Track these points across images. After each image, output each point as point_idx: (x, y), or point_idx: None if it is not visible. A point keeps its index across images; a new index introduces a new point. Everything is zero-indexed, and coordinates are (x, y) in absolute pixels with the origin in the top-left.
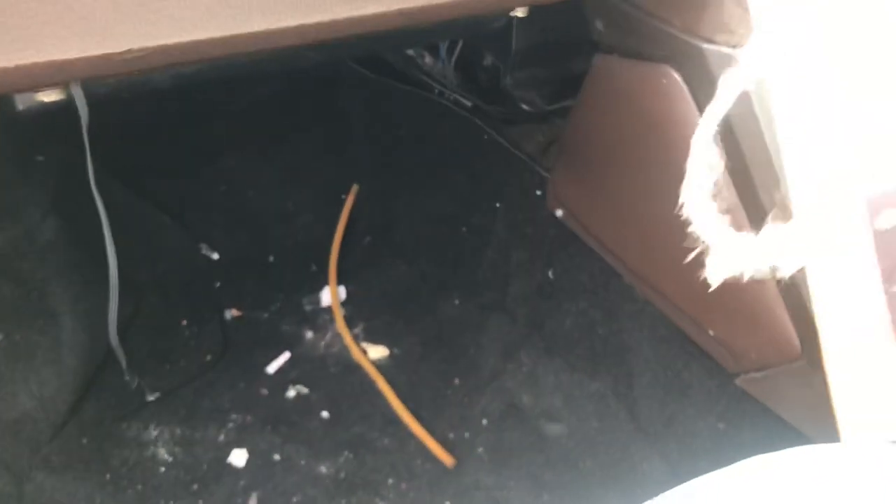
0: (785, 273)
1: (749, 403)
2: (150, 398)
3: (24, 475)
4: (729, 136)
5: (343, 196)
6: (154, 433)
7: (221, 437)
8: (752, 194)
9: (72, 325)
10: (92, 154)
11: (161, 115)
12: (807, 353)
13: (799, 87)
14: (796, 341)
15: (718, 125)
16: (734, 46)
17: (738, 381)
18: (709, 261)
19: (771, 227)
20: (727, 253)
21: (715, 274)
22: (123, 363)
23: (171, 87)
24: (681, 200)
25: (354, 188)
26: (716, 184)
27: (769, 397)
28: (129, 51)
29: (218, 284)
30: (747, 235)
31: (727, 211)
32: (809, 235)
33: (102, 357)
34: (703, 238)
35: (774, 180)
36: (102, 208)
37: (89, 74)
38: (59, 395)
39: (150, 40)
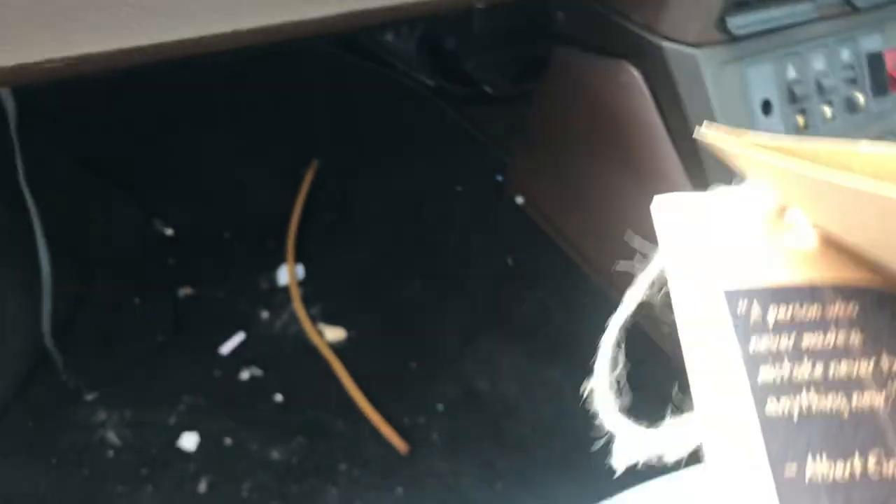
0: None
1: None
2: (88, 398)
3: None
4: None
5: (302, 171)
6: (103, 416)
7: (172, 420)
8: None
9: (15, 306)
10: (38, 129)
11: (111, 87)
12: None
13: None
14: None
15: (623, 327)
16: (693, 45)
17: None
18: (613, 448)
19: (667, 421)
20: (626, 443)
21: (618, 461)
22: (60, 363)
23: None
24: (588, 391)
25: (314, 164)
26: (619, 380)
27: None
28: (50, 60)
29: (171, 261)
30: (642, 430)
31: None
32: (702, 429)
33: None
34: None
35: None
36: (34, 207)
37: (8, 81)
38: (2, 380)
39: (70, 49)
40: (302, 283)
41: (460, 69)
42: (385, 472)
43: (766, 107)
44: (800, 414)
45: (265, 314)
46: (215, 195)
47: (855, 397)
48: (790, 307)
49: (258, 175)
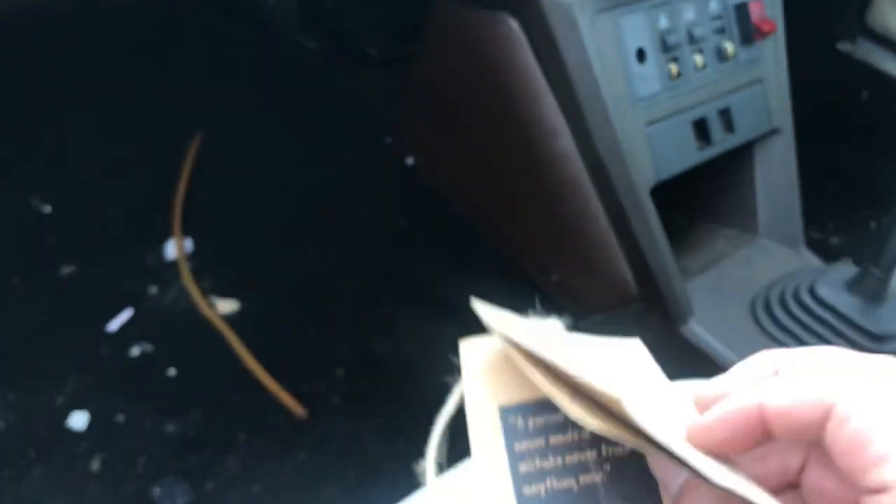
0: None
1: None
2: None
3: None
4: None
5: (185, 145)
6: None
7: (59, 400)
8: None
9: None
10: None
11: None
12: (642, 298)
13: None
14: (633, 286)
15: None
16: None
17: (581, 327)
18: None
19: None
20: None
21: None
22: None
23: None
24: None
25: (197, 136)
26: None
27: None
28: None
29: (51, 239)
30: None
31: None
32: None
33: None
34: None
35: None
36: None
37: None
38: None
39: None
40: (191, 257)
41: (342, 31)
42: (286, 439)
43: (641, 55)
44: (546, 492)
45: (153, 289)
46: (96, 171)
47: (582, 477)
48: (543, 416)
49: (140, 150)
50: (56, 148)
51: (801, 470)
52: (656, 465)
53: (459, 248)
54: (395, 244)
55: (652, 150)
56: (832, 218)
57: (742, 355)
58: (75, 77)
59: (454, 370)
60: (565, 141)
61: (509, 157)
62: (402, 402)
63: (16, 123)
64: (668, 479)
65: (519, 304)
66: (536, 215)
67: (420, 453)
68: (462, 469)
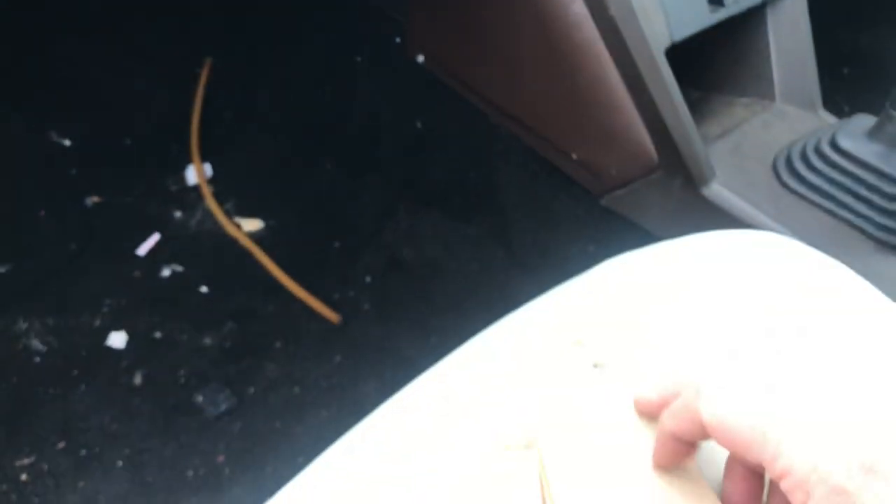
0: None
1: (615, 222)
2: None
3: None
4: None
5: (197, 71)
6: (24, 325)
7: (97, 323)
8: None
9: None
10: None
11: None
12: (663, 164)
13: None
14: (653, 153)
15: None
16: None
17: (603, 202)
18: None
19: None
20: None
21: None
22: None
23: None
24: None
25: (208, 62)
26: None
27: (633, 211)
28: None
29: (74, 171)
30: None
31: None
32: None
33: None
34: None
35: None
36: None
37: None
38: None
39: None
40: (212, 181)
41: None
42: (320, 343)
43: None
44: None
45: (178, 214)
46: (111, 103)
47: None
48: None
49: (153, 80)
50: (70, 83)
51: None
52: None
53: (476, 143)
54: (412, 148)
55: (665, 12)
56: (847, 101)
57: (765, 212)
58: (82, 11)
59: (482, 267)
60: (577, 6)
61: (522, 32)
62: (431, 303)
63: (29, 61)
64: None
65: (542, 191)
66: (553, 91)
67: (451, 349)
68: None
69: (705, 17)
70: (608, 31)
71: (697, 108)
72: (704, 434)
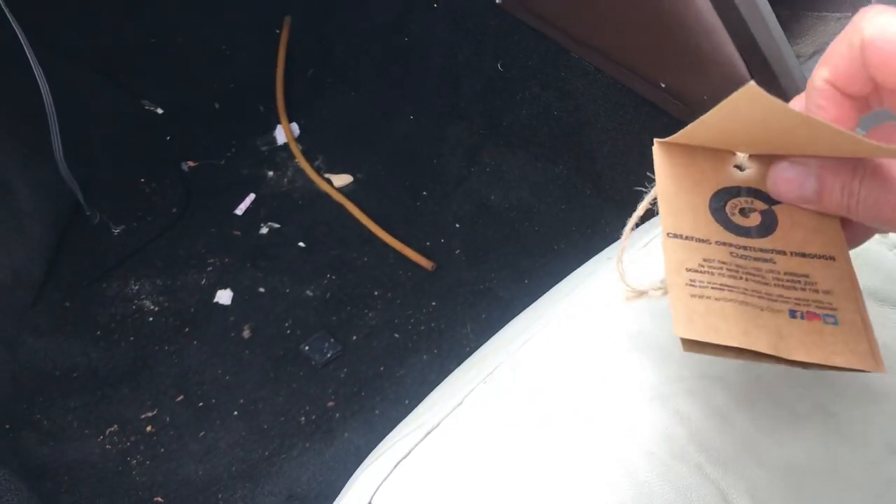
0: None
1: None
2: (116, 231)
3: (14, 342)
4: None
5: (276, 31)
6: (135, 288)
7: (203, 281)
8: None
9: (27, 191)
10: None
11: None
12: (758, 85)
13: None
14: (747, 75)
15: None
16: None
17: None
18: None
19: None
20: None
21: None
22: (79, 195)
23: None
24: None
25: (287, 20)
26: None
27: None
28: None
29: (168, 138)
30: None
31: None
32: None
33: (67, 220)
34: None
35: None
36: (28, 46)
37: None
38: (30, 263)
39: None
40: (300, 139)
41: None
42: (417, 290)
43: None
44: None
45: (270, 173)
46: (196, 68)
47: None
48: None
49: (234, 42)
50: (156, 53)
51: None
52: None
53: (557, 80)
54: (493, 89)
55: None
56: None
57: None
58: None
59: (571, 206)
60: None
61: None
62: (522, 244)
63: (115, 33)
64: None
65: (628, 122)
66: (638, 18)
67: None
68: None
69: None
70: None
71: (788, 26)
72: (866, 77)
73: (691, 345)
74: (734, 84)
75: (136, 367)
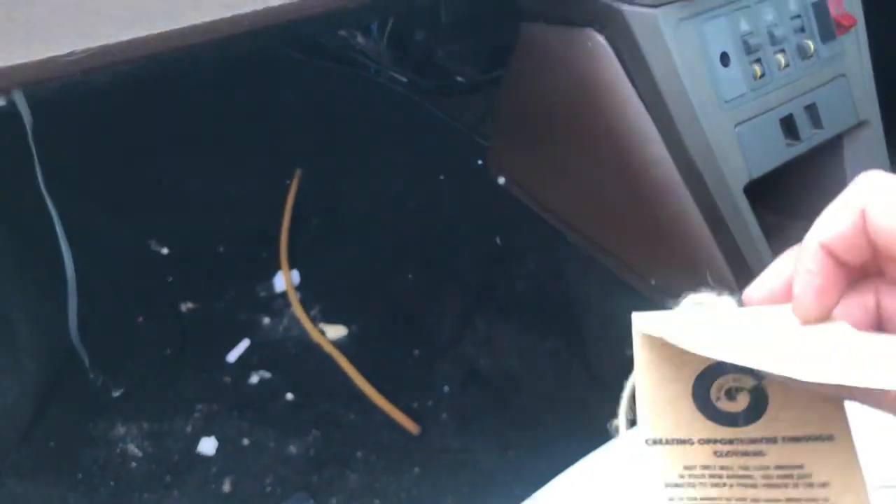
0: None
1: None
2: (116, 394)
3: None
4: None
5: (287, 182)
6: (122, 430)
7: (189, 428)
8: None
9: (28, 330)
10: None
11: (98, 116)
12: (741, 289)
13: None
14: (733, 282)
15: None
16: (652, 6)
17: None
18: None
19: None
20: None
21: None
22: (86, 361)
23: (108, 83)
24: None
25: (298, 172)
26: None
27: None
28: (72, 52)
29: (170, 279)
30: None
31: None
32: None
33: (62, 360)
34: None
35: None
36: (53, 207)
37: (35, 79)
38: (21, 402)
39: (90, 41)
40: (298, 288)
41: (431, 62)
42: (400, 454)
43: (725, 59)
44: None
45: (266, 320)
46: (205, 212)
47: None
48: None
49: (244, 189)
50: (167, 194)
51: (877, 304)
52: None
53: (554, 260)
54: (491, 261)
55: (742, 150)
56: None
57: None
58: (182, 124)
59: (560, 382)
60: (657, 147)
61: (603, 167)
62: (509, 415)
63: (128, 173)
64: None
65: (619, 309)
66: (633, 222)
67: (529, 465)
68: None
69: (783, 153)
70: (688, 170)
71: (773, 235)
72: (864, 244)
73: None
74: (721, 288)
75: None
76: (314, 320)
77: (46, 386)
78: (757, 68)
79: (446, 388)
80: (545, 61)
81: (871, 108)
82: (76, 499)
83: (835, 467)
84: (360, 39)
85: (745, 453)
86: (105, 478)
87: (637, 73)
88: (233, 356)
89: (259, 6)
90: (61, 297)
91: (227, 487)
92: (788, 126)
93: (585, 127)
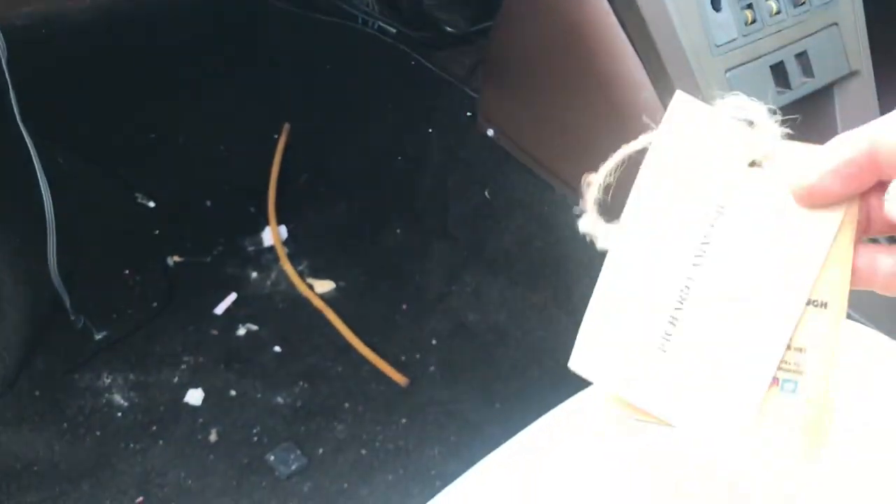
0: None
1: None
2: (98, 336)
3: None
4: None
5: (275, 136)
6: (107, 381)
7: (175, 379)
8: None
9: (11, 279)
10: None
11: (80, 62)
12: None
13: None
14: None
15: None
16: None
17: None
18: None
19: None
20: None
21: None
22: (67, 302)
23: (89, 22)
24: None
25: (286, 127)
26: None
27: None
28: None
29: (157, 232)
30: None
31: None
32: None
33: (47, 309)
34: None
35: None
36: (31, 143)
37: None
38: (5, 351)
39: None
40: (286, 243)
41: (420, 13)
42: (387, 405)
43: (716, 3)
44: None
45: (254, 274)
46: (193, 167)
47: None
48: None
49: (232, 143)
50: (155, 148)
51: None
52: None
53: (543, 213)
54: (480, 215)
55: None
56: None
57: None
58: (169, 75)
59: (547, 335)
60: (648, 92)
61: (593, 114)
62: (496, 368)
63: (116, 127)
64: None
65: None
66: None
67: (515, 417)
68: None
69: (773, 100)
70: None
71: None
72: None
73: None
74: None
75: (100, 464)
76: (302, 275)
77: (31, 336)
78: (748, 13)
79: (434, 342)
80: (535, 9)
81: (862, 58)
82: (62, 447)
83: (818, 335)
84: None
85: None
86: (90, 427)
87: (628, 17)
88: (220, 309)
89: None
90: (44, 246)
91: (213, 437)
92: (779, 74)
93: (576, 74)
